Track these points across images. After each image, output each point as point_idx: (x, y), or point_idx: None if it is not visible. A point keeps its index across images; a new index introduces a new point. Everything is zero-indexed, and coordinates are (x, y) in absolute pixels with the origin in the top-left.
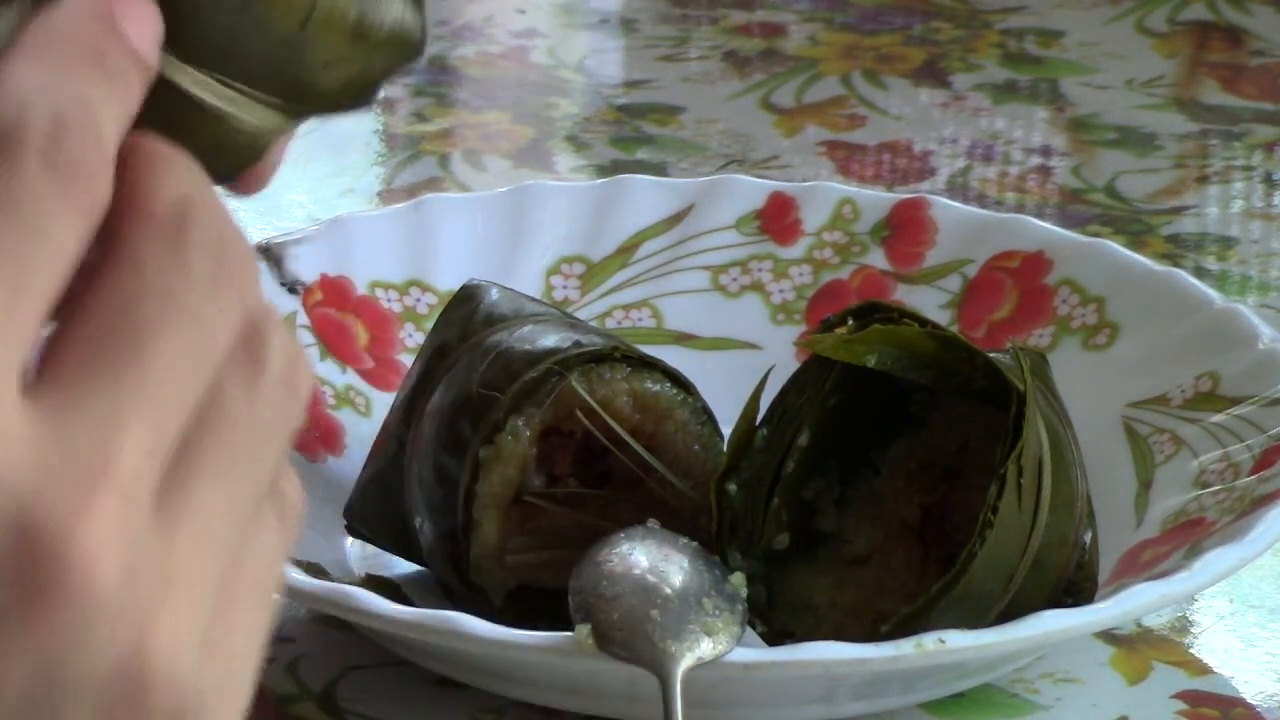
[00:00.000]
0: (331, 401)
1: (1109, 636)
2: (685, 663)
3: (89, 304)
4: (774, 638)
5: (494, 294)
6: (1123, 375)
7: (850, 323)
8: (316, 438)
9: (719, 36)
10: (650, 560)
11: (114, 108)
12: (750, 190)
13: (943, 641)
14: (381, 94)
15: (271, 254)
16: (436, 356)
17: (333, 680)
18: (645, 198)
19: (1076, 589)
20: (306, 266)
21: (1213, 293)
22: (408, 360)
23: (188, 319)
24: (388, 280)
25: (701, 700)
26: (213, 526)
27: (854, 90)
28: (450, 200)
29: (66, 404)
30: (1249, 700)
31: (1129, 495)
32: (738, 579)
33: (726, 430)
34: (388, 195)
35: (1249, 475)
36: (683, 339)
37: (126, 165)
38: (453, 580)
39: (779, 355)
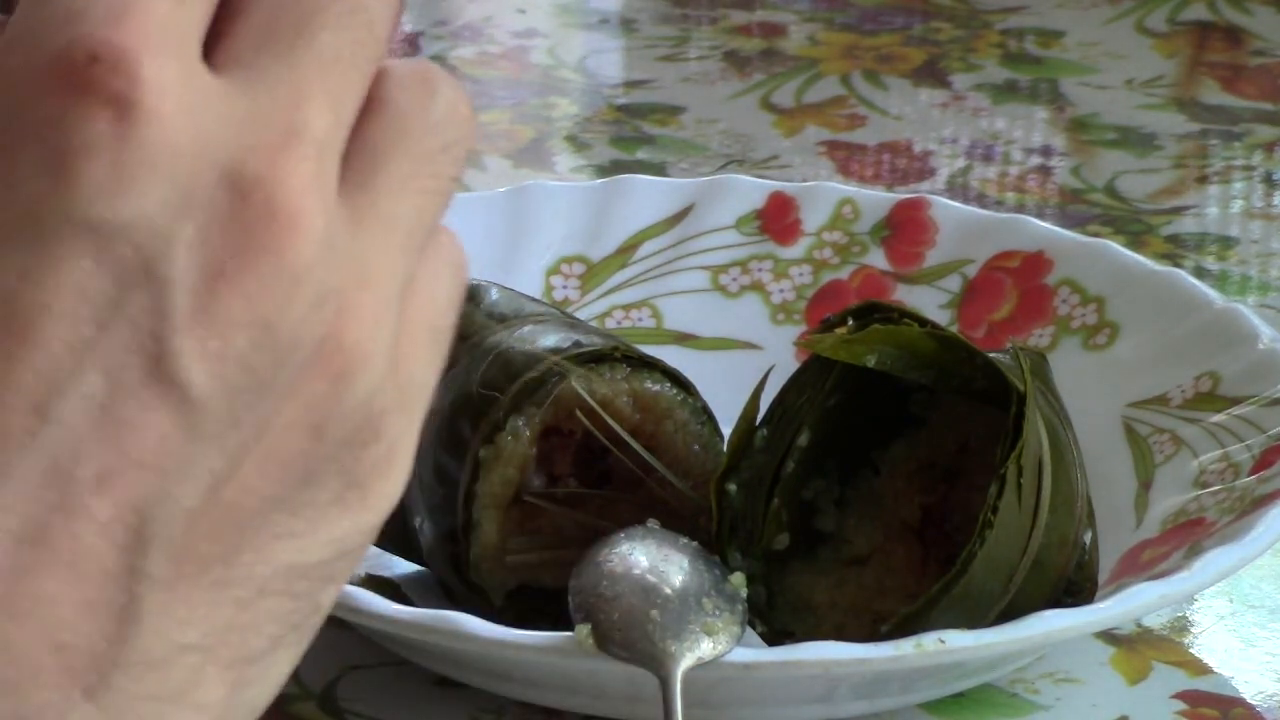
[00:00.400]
0: None
1: (1109, 636)
2: (685, 663)
3: None
4: (774, 638)
5: (494, 294)
6: (1123, 375)
7: (850, 323)
8: None
9: (719, 36)
10: (650, 560)
11: None
12: (750, 190)
13: (943, 641)
14: None
15: None
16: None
17: (333, 680)
18: (645, 198)
19: (1076, 589)
20: None
21: (1213, 293)
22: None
23: (351, 10)
24: None
25: (701, 700)
26: (397, 227)
27: (854, 90)
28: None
29: (249, 77)
30: (1249, 700)
31: (1129, 495)
32: (738, 579)
33: (726, 430)
34: None
35: (1249, 475)
36: (683, 339)
37: None
38: (453, 580)
39: (779, 355)
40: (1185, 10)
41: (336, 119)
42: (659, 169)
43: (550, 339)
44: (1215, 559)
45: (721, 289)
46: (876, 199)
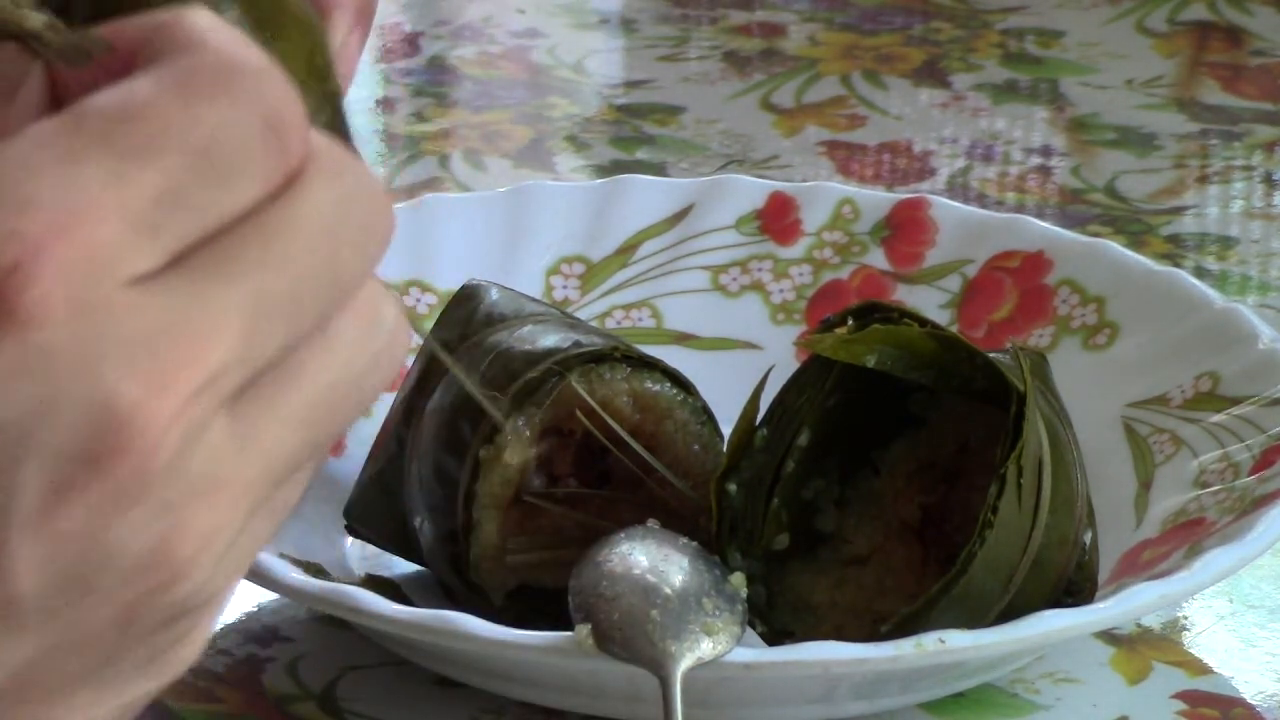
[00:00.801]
0: None
1: (1109, 636)
2: (685, 663)
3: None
4: (774, 638)
5: (494, 294)
6: (1123, 375)
7: (850, 323)
8: None
9: (719, 36)
10: (650, 560)
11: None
12: (750, 190)
13: (943, 641)
14: (381, 94)
15: None
16: (437, 356)
17: (333, 680)
18: (645, 198)
19: (1076, 589)
20: None
21: (1213, 293)
22: (408, 360)
23: (312, 249)
24: (388, 280)
25: (701, 700)
26: (275, 458)
27: (854, 90)
28: (450, 200)
29: (170, 292)
30: (1249, 700)
31: (1129, 495)
32: (738, 579)
33: (726, 430)
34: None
35: (1249, 475)
36: (683, 339)
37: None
38: (453, 580)
39: (779, 355)
40: (1185, 10)
41: (243, 356)
42: (659, 169)
43: (550, 339)
44: (1215, 559)
45: (721, 289)
46: (876, 199)
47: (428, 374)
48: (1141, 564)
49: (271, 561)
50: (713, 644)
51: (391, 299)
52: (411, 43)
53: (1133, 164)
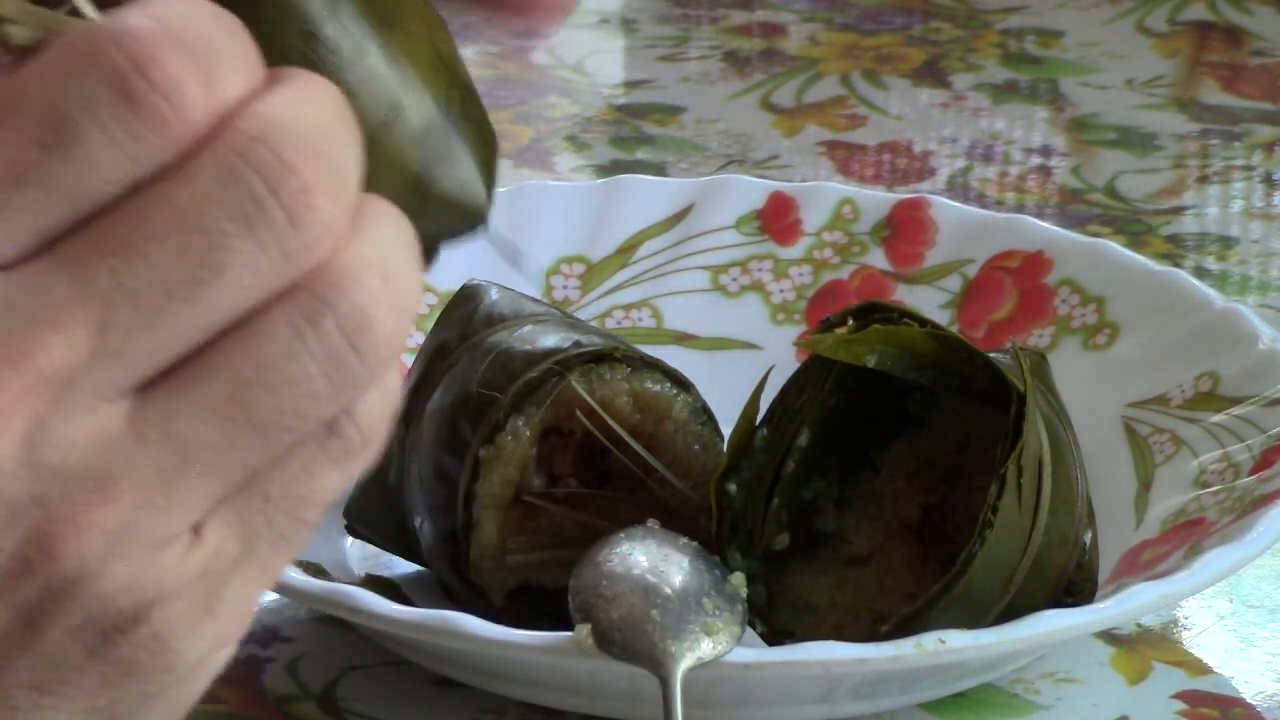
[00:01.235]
0: None
1: (1109, 636)
2: (685, 663)
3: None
4: (774, 638)
5: (494, 294)
6: (1123, 375)
7: (850, 323)
8: None
9: (719, 36)
10: (650, 560)
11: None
12: (750, 190)
13: (943, 641)
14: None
15: None
16: (436, 356)
17: (333, 680)
18: (645, 198)
19: (1076, 589)
20: None
21: (1213, 293)
22: (408, 360)
23: (195, 233)
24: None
25: (701, 700)
26: (201, 440)
27: (854, 90)
28: None
29: (26, 279)
30: (1249, 700)
31: (1129, 495)
32: (738, 579)
33: (726, 430)
34: None
35: (1249, 475)
36: (683, 339)
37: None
38: (453, 580)
39: (779, 355)
40: (1185, 10)
41: (106, 347)
42: (659, 169)
43: (550, 339)
44: (1215, 559)
45: (721, 289)
46: (876, 199)
47: (428, 374)
48: (1141, 564)
49: None
50: (713, 644)
51: (355, 304)
52: None
53: (1133, 164)
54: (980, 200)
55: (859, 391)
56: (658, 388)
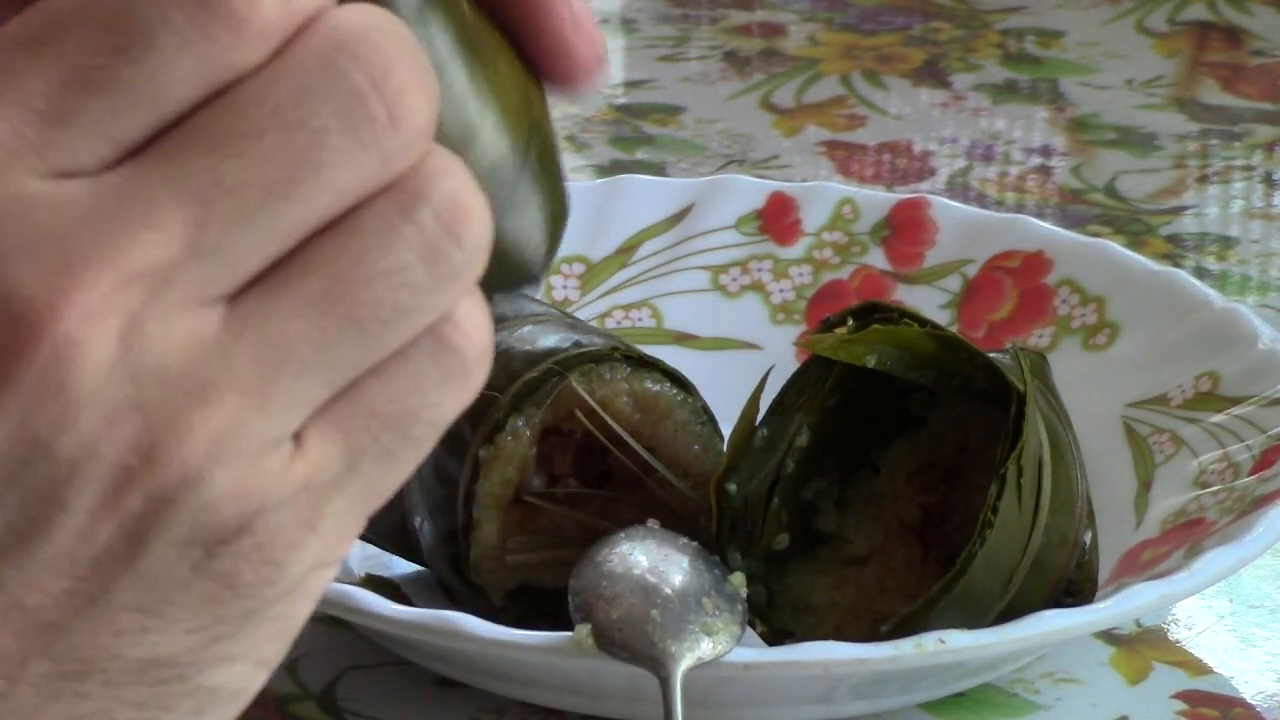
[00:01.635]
0: None
1: (1109, 636)
2: (685, 663)
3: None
4: (774, 638)
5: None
6: (1123, 375)
7: (850, 323)
8: None
9: (719, 36)
10: (650, 560)
11: None
12: (750, 190)
13: (943, 641)
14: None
15: None
16: None
17: (333, 680)
18: (645, 198)
19: (1076, 589)
20: None
21: (1213, 293)
22: None
23: (294, 130)
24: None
25: (701, 700)
26: (298, 338)
27: (854, 90)
28: None
29: (111, 184)
30: (1249, 700)
31: (1129, 495)
32: (738, 579)
33: (726, 430)
34: None
35: (1249, 475)
36: (683, 339)
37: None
38: (453, 580)
39: (779, 355)
40: (1185, 10)
41: (198, 247)
42: (659, 169)
43: (550, 339)
44: (1215, 559)
45: (721, 289)
46: (876, 199)
47: None
48: (1141, 564)
49: None
50: (713, 644)
51: (448, 173)
52: None
53: (1133, 164)
54: (980, 200)
55: (859, 391)
56: (658, 388)
